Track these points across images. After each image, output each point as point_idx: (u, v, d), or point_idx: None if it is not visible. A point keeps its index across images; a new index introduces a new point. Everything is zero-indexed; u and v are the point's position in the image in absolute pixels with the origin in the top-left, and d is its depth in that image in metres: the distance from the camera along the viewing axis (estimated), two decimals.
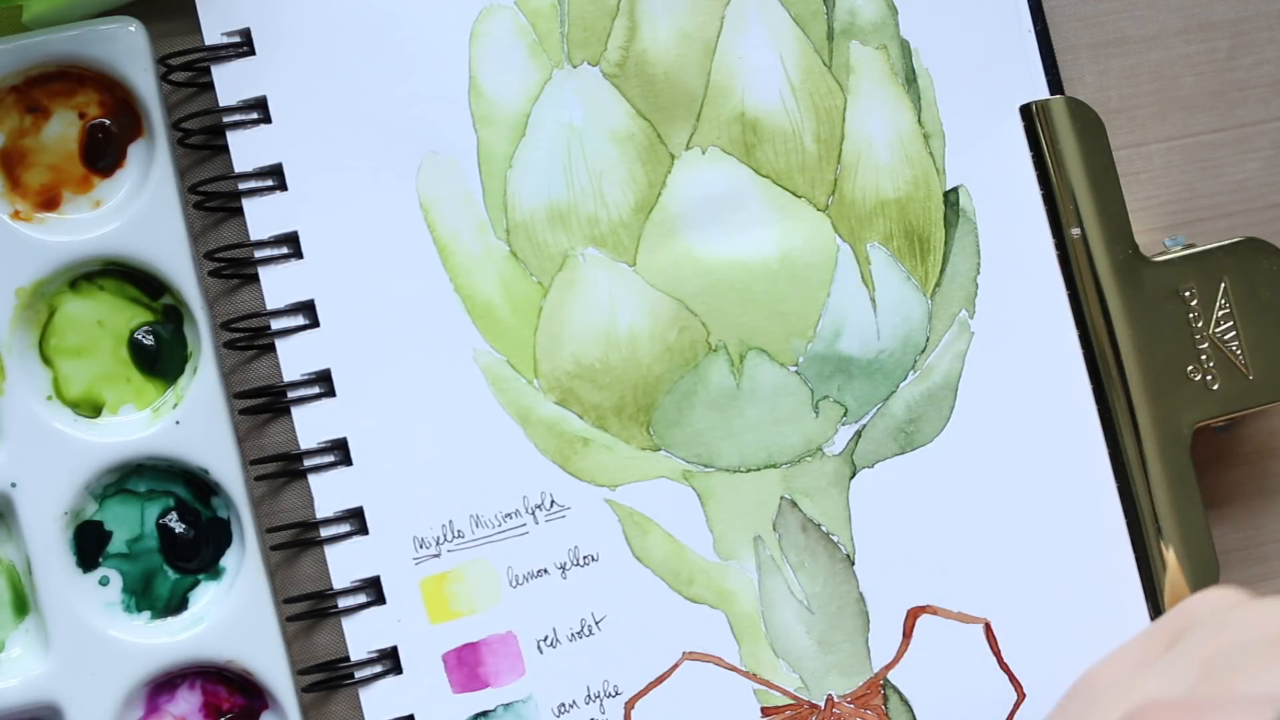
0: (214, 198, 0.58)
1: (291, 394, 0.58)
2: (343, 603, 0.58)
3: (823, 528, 0.60)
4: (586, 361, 0.59)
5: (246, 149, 0.58)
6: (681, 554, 0.59)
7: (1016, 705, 0.60)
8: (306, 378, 0.58)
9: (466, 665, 0.58)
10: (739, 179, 0.60)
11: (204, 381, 0.57)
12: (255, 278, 0.58)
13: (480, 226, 0.59)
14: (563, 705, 0.58)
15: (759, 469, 0.60)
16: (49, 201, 0.57)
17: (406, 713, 0.58)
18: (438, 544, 0.58)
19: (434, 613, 0.58)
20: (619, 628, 0.59)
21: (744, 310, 0.60)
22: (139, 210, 0.57)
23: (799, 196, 0.60)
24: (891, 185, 0.61)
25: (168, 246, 0.57)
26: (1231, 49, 0.64)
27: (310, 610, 0.58)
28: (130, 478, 0.58)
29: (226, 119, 0.58)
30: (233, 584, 0.57)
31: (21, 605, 0.57)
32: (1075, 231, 0.61)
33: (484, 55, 0.59)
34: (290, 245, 0.58)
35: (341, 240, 0.58)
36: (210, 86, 0.58)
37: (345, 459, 0.58)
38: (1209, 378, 0.61)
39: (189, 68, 0.58)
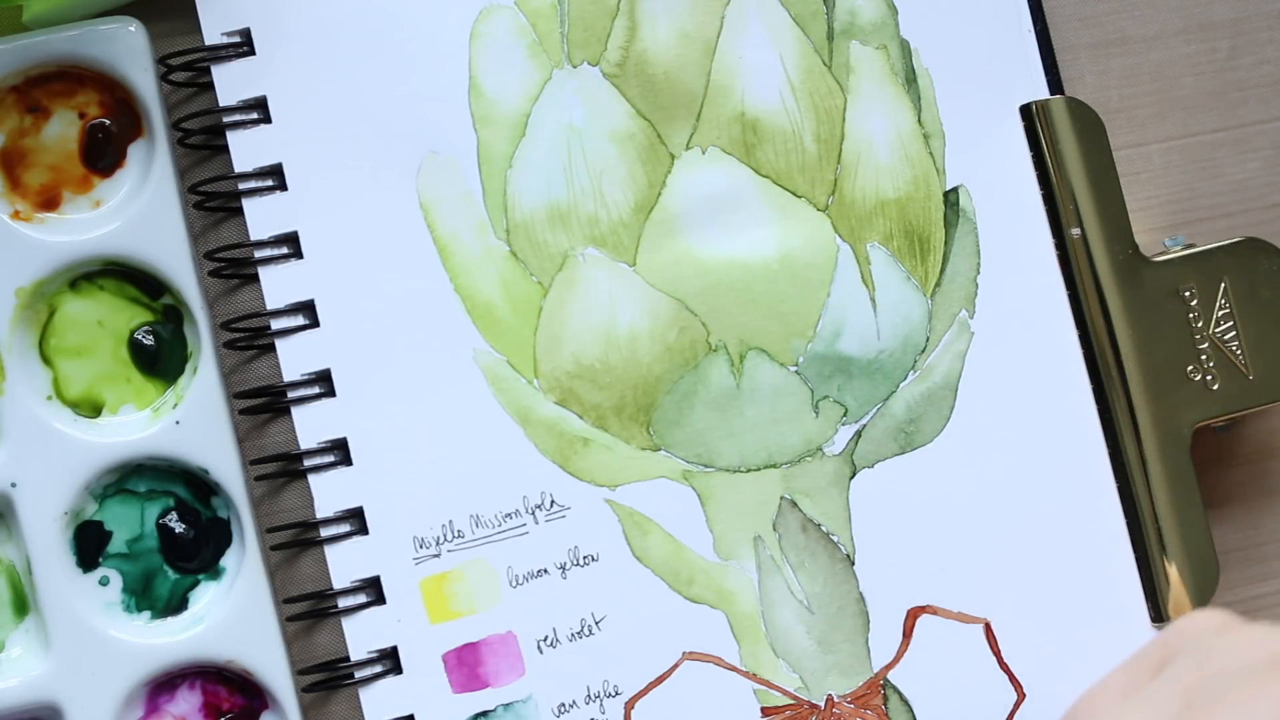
0: (214, 198, 0.58)
1: (291, 394, 0.58)
2: (343, 603, 0.58)
3: (823, 528, 0.60)
4: (586, 361, 0.59)
5: (246, 149, 0.58)
6: (681, 554, 0.59)
7: (1016, 705, 0.60)
8: (306, 378, 0.58)
9: (466, 665, 0.58)
10: (739, 179, 0.60)
11: (204, 381, 0.57)
12: (255, 278, 0.58)
13: (480, 226, 0.59)
14: (563, 705, 0.58)
15: (759, 469, 0.60)
16: (49, 201, 0.57)
17: (406, 713, 0.58)
18: (438, 544, 0.58)
19: (434, 613, 0.58)
20: (619, 628, 0.59)
21: (744, 310, 0.60)
22: (139, 210, 0.57)
23: (799, 196, 0.60)
24: (891, 185, 0.61)
25: (168, 246, 0.57)
26: (1231, 49, 0.64)
27: (310, 610, 0.58)
28: (130, 478, 0.58)
29: (226, 119, 0.58)
30: (233, 584, 0.57)
31: (21, 605, 0.57)
32: (1075, 231, 0.61)
33: (484, 55, 0.59)
34: (290, 245, 0.58)
35: (341, 240, 0.58)
36: (210, 86, 0.58)
37: (345, 459, 0.58)
38: (1209, 378, 0.61)
39: (189, 68, 0.58)
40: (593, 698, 0.58)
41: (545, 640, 0.58)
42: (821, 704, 0.59)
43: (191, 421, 0.57)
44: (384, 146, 0.59)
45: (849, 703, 0.59)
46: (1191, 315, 0.61)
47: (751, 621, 0.59)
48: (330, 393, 0.58)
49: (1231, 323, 0.61)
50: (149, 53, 0.57)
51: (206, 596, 0.58)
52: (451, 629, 0.58)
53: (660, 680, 0.59)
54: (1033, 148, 0.61)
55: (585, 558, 0.59)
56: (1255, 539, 0.64)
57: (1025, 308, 0.61)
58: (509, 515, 0.58)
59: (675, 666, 0.59)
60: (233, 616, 0.57)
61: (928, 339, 0.61)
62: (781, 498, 0.60)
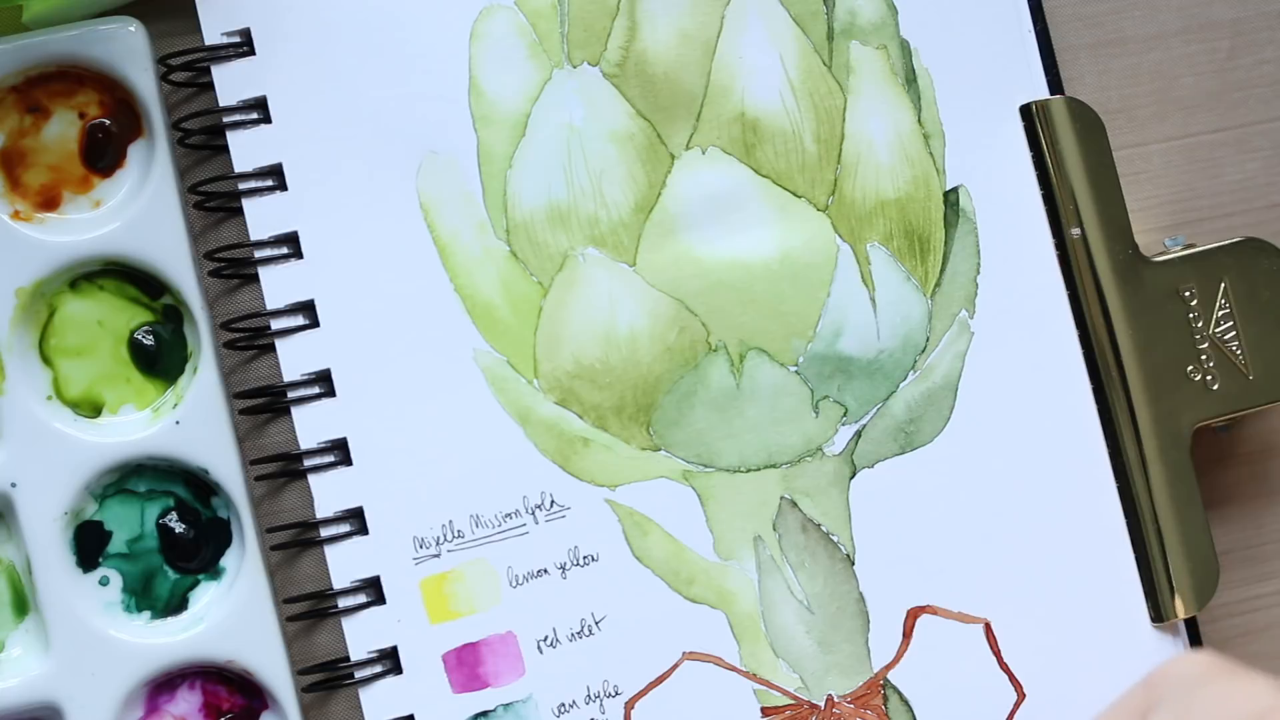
0: (214, 198, 0.58)
1: (291, 394, 0.58)
2: (343, 603, 0.58)
3: (823, 528, 0.60)
4: (586, 361, 0.59)
5: (246, 149, 0.58)
6: (681, 554, 0.59)
7: (1016, 705, 0.60)
8: (306, 378, 0.58)
9: (466, 665, 0.58)
10: (739, 179, 0.60)
11: (204, 381, 0.57)
12: (255, 278, 0.58)
13: (480, 226, 0.59)
14: (563, 705, 0.58)
15: (759, 469, 0.60)
16: (49, 201, 0.57)
17: (406, 713, 0.58)
18: (438, 544, 0.58)
19: (434, 613, 0.58)
20: (619, 628, 0.59)
21: (744, 310, 0.60)
22: (139, 210, 0.57)
23: (799, 196, 0.60)
24: (891, 185, 0.61)
25: (168, 246, 0.57)
26: (1231, 49, 0.64)
27: (310, 610, 0.58)
28: (130, 478, 0.58)
29: (226, 119, 0.58)
30: (233, 584, 0.57)
31: (21, 605, 0.57)
32: (1075, 231, 0.61)
33: (484, 55, 0.59)
34: (290, 245, 0.58)
35: (341, 240, 0.58)
36: (210, 86, 0.58)
37: (345, 459, 0.58)
38: (1209, 378, 0.61)
39: (189, 68, 0.58)
40: (593, 698, 0.58)
41: (545, 640, 0.58)
42: (821, 704, 0.59)
43: (191, 421, 0.57)
44: (384, 146, 0.59)
45: (849, 703, 0.59)
46: (1191, 315, 0.61)
47: (751, 621, 0.59)
48: (330, 393, 0.58)
49: (1231, 323, 0.61)
50: (149, 53, 0.57)
51: (206, 596, 0.58)
52: (451, 629, 0.58)
53: (660, 680, 0.59)
54: (1033, 148, 0.61)
55: (585, 558, 0.59)
56: (1255, 539, 0.64)
57: (1025, 308, 0.61)
58: (509, 515, 0.58)
59: (675, 666, 0.59)
60: (233, 616, 0.57)
61: (928, 339, 0.61)
62: (781, 498, 0.60)
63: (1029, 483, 0.60)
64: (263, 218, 0.58)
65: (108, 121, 0.58)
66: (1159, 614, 0.61)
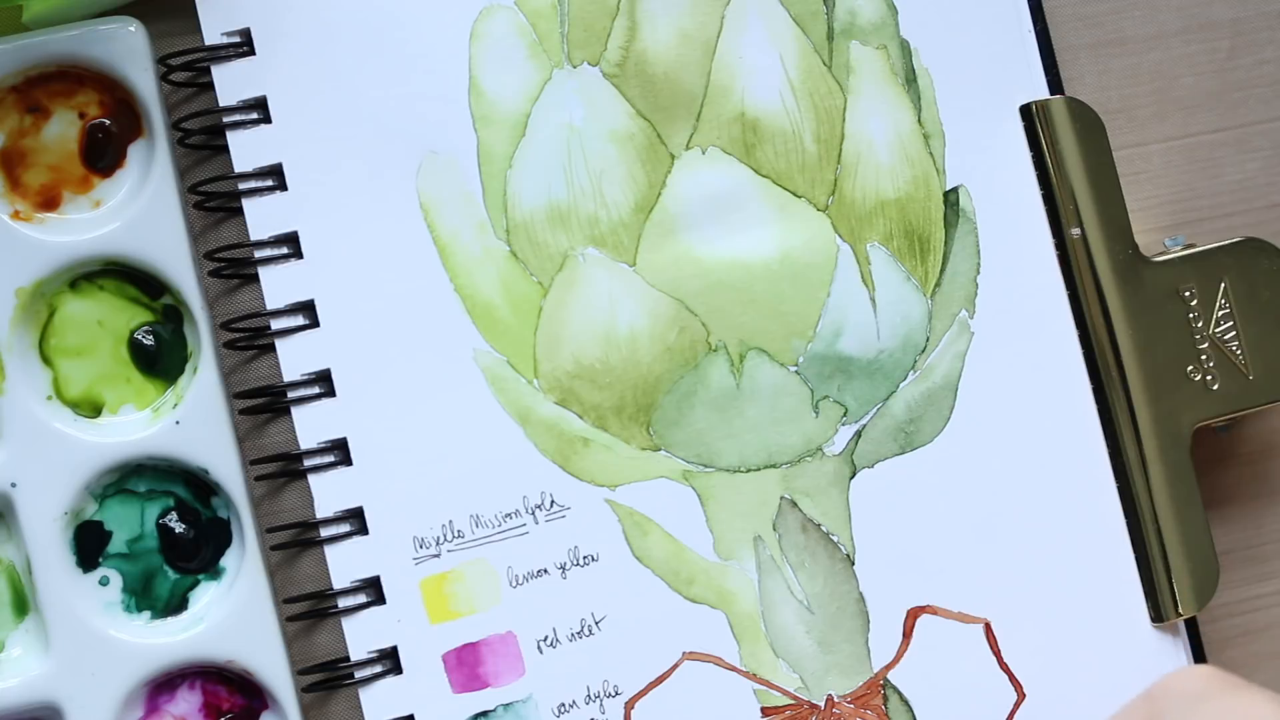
0: (214, 198, 0.58)
1: (291, 394, 0.58)
2: (343, 603, 0.58)
3: (823, 528, 0.60)
4: (586, 361, 0.59)
5: (246, 149, 0.58)
6: (681, 554, 0.59)
7: (1016, 705, 0.60)
8: (306, 378, 0.58)
9: (466, 665, 0.58)
10: (739, 179, 0.60)
11: (204, 381, 0.57)
12: (255, 278, 0.58)
13: (480, 226, 0.59)
14: (563, 705, 0.58)
15: (759, 469, 0.60)
16: (49, 201, 0.57)
17: (406, 713, 0.58)
18: (438, 544, 0.58)
19: (434, 613, 0.58)
20: (619, 628, 0.59)
21: (744, 310, 0.60)
22: (139, 210, 0.57)
23: (799, 196, 0.60)
24: (891, 185, 0.61)
25: (168, 246, 0.57)
26: (1231, 49, 0.64)
27: (310, 610, 0.58)
28: (130, 478, 0.58)
29: (226, 119, 0.58)
30: (233, 584, 0.57)
31: (21, 605, 0.57)
32: (1075, 231, 0.61)
33: (484, 55, 0.59)
34: (290, 245, 0.58)
35: (341, 240, 0.58)
36: (210, 86, 0.58)
37: (345, 459, 0.58)
38: (1209, 378, 0.61)
39: (189, 68, 0.58)
40: (593, 698, 0.58)
41: (545, 640, 0.58)
42: (821, 704, 0.59)
43: (191, 421, 0.57)
44: (384, 146, 0.59)
45: (849, 703, 0.59)
46: (1191, 315, 0.61)
47: (751, 621, 0.59)
48: (330, 393, 0.58)
49: (1231, 323, 0.61)
50: (149, 53, 0.57)
51: (206, 596, 0.58)
52: (451, 629, 0.58)
53: (660, 680, 0.59)
54: (1033, 148, 0.61)
55: (585, 558, 0.59)
56: (1255, 539, 0.64)
57: (1025, 308, 0.61)
58: (509, 515, 0.58)
59: (675, 666, 0.59)
60: (233, 616, 0.57)
61: (928, 339, 0.61)
62: (781, 498, 0.60)
63: (1029, 483, 0.60)
64: (263, 218, 0.58)
65: (108, 121, 0.58)
66: (1159, 614, 0.61)
